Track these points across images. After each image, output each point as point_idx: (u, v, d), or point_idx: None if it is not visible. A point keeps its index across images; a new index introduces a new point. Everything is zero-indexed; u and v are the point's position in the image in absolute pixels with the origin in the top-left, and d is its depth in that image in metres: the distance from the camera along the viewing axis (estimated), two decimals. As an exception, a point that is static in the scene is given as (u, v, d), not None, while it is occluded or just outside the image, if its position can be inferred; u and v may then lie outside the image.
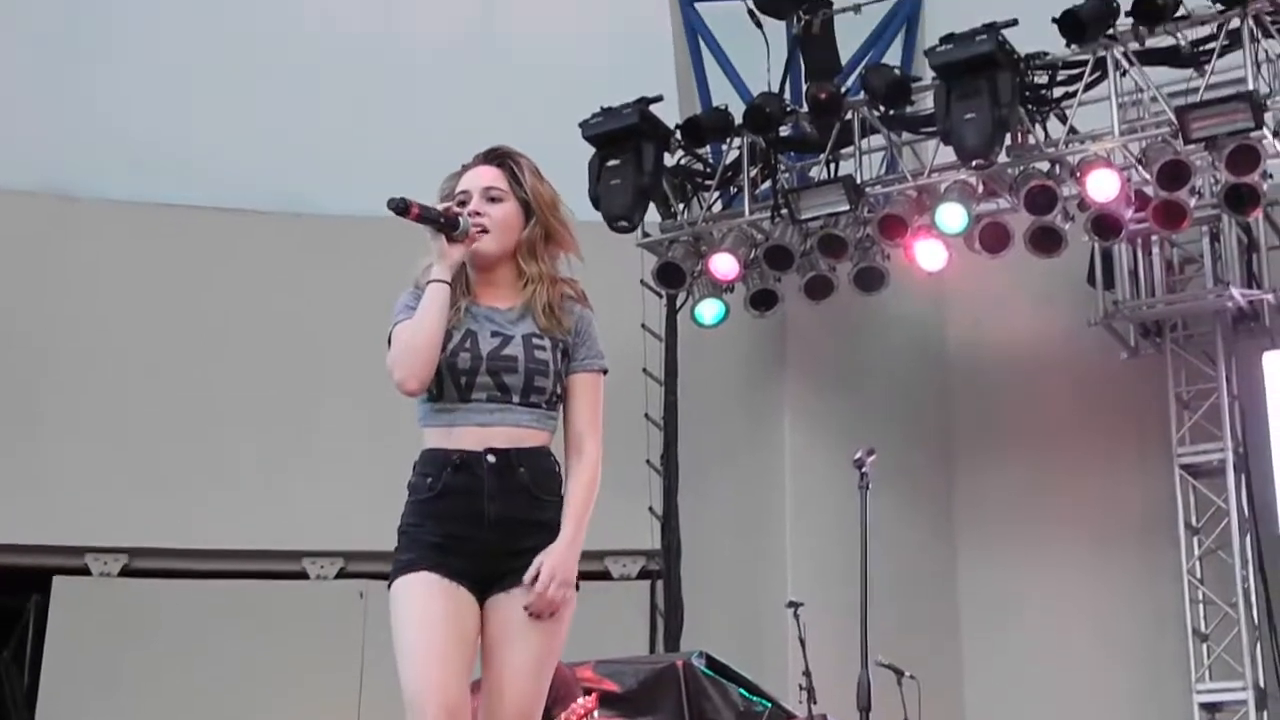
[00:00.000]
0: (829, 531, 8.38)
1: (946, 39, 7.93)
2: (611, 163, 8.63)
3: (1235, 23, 7.65)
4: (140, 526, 9.61)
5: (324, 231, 10.17)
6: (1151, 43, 7.89)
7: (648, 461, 9.51)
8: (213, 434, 9.84)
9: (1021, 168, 8.12)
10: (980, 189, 8.35)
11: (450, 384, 3.51)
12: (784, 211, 8.55)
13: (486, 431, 3.51)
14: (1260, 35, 7.64)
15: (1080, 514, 9.37)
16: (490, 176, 3.66)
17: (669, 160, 8.91)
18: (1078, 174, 7.96)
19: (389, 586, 3.48)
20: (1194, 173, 7.78)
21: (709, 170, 9.10)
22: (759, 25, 8.79)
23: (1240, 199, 7.74)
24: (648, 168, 8.66)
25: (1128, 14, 7.74)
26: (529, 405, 3.55)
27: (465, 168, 3.71)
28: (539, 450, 3.57)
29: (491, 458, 3.49)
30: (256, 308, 10.08)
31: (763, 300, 8.87)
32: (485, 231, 3.58)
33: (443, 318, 3.50)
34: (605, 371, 3.69)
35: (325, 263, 10.09)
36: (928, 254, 8.48)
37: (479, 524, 3.46)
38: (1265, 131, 7.51)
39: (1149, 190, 7.92)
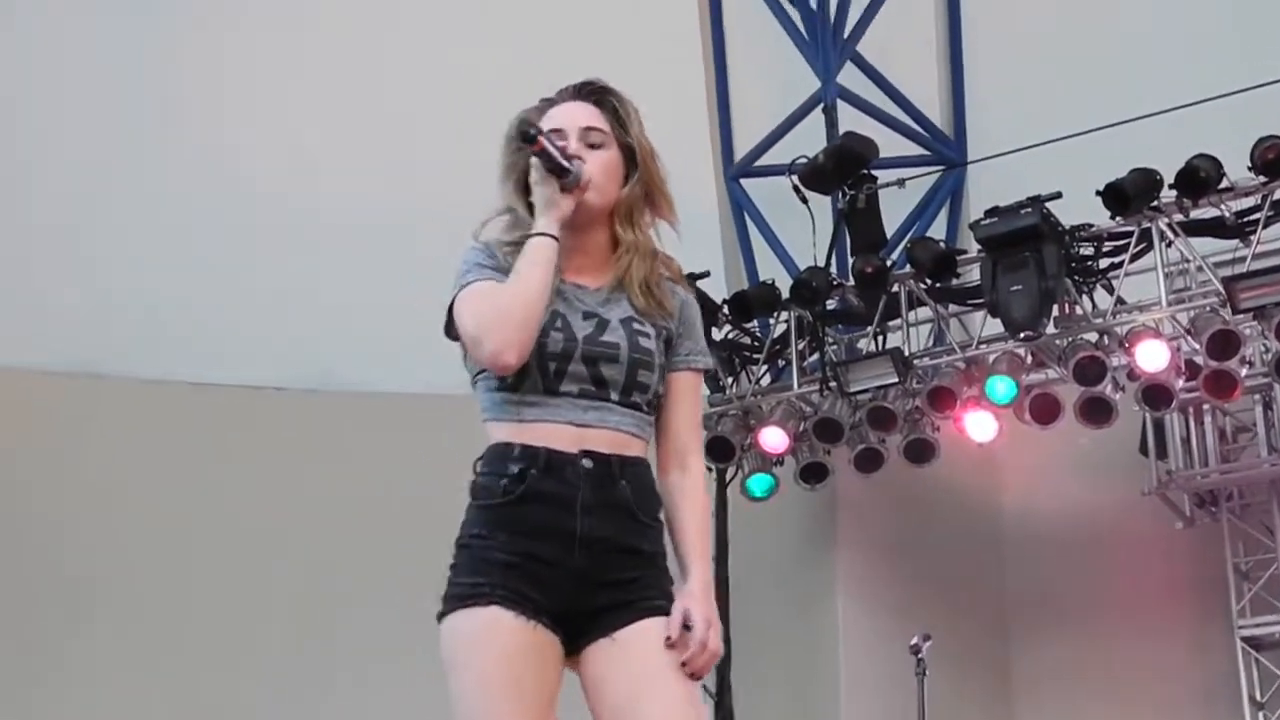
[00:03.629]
0: (884, 711, 8.25)
1: (991, 212, 8.00)
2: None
3: (1278, 193, 7.69)
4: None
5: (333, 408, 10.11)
6: (1196, 214, 7.94)
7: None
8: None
9: (1070, 339, 8.13)
10: (1029, 360, 8.35)
11: (535, 371, 2.85)
12: (832, 384, 8.57)
13: (580, 433, 2.85)
14: (1304, 205, 7.68)
15: (1140, 688, 9.19)
16: (590, 115, 3.01)
17: (717, 335, 8.97)
18: (1126, 344, 7.95)
19: (442, 617, 2.81)
20: (1244, 342, 7.76)
21: (757, 344, 9.15)
22: (804, 200, 8.89)
23: (1292, 368, 7.70)
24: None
25: (1171, 186, 7.80)
26: (629, 406, 2.90)
27: (548, 101, 3.07)
28: (640, 462, 2.92)
29: (588, 463, 2.83)
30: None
31: (813, 473, 8.85)
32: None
33: (549, 279, 2.84)
34: (709, 371, 3.18)
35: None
36: (978, 425, 8.46)
37: (568, 544, 2.79)
38: (1314, 300, 7.50)
39: (1199, 360, 7.90)
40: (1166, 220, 7.92)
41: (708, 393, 9.04)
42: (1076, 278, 8.13)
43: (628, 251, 2.99)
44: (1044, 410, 8.23)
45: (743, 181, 10.42)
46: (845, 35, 10.14)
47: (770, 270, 9.74)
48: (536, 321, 2.81)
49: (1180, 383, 8.06)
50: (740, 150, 10.50)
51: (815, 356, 8.89)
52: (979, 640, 9.48)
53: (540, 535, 2.80)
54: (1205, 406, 8.79)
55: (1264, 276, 7.49)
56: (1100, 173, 7.92)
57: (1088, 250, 8.19)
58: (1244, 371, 7.98)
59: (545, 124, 2.96)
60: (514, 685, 2.70)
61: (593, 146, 2.96)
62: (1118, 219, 8.00)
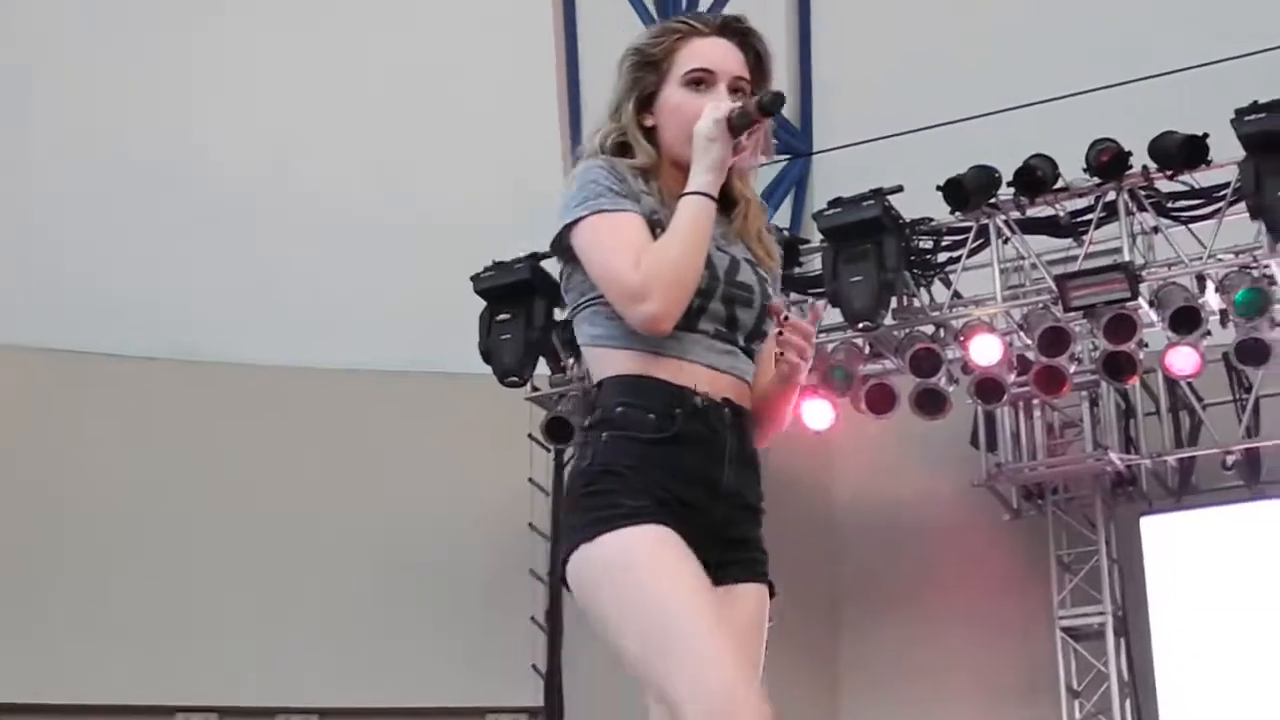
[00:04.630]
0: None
1: (834, 203, 8.09)
2: (502, 317, 8.65)
3: (1111, 195, 7.88)
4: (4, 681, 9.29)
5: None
6: (1032, 212, 8.11)
7: (532, 618, 9.40)
8: (74, 586, 9.60)
9: (907, 330, 8.25)
10: (866, 350, 8.47)
11: None
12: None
13: (715, 376, 2.71)
14: (1135, 208, 7.87)
15: (964, 676, 9.38)
16: (739, 62, 2.83)
17: (560, 315, 8.95)
18: (961, 338, 8.11)
19: (593, 536, 2.58)
20: (1073, 339, 7.95)
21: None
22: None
23: (1118, 366, 7.91)
24: (538, 323, 8.69)
25: (1009, 184, 7.96)
26: (749, 354, 2.77)
27: (689, 28, 2.84)
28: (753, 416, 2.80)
29: (729, 412, 2.71)
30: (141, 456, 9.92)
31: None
32: None
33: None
34: None
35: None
36: (815, 414, 8.55)
37: (713, 493, 2.67)
38: (1141, 301, 7.70)
39: (1030, 355, 8.09)
40: (1004, 217, 8.09)
41: (548, 374, 9.05)
42: (915, 271, 8.27)
43: (742, 200, 2.88)
44: (879, 400, 8.35)
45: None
46: (698, 23, 10.17)
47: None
48: (694, 288, 2.68)
49: (1012, 377, 8.23)
50: (589, 130, 10.45)
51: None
52: (808, 626, 9.58)
53: (690, 480, 2.66)
54: (1035, 401, 8.98)
55: (1094, 276, 7.67)
56: (942, 168, 8.05)
57: (927, 244, 8.33)
58: (1073, 368, 8.17)
59: (690, 57, 2.81)
60: (708, 597, 2.53)
61: (734, 92, 2.81)
62: (957, 214, 8.15)
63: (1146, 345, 7.97)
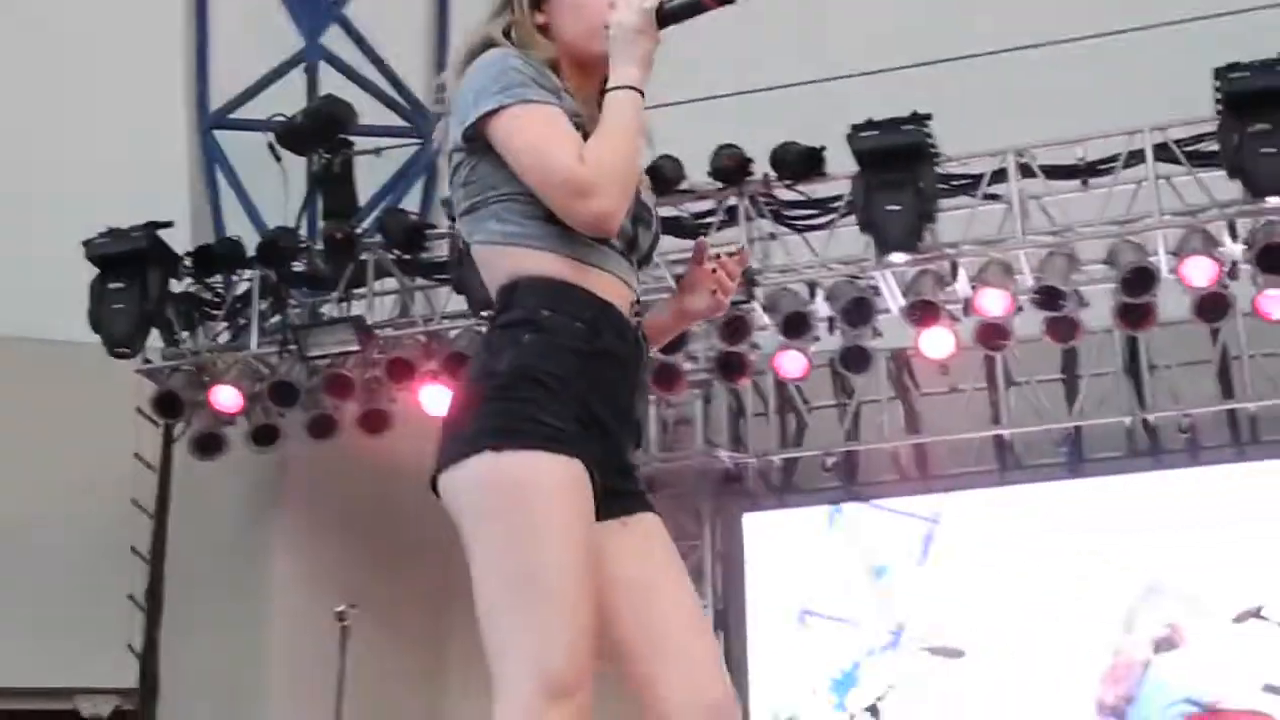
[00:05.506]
0: (310, 676, 8.20)
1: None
2: (115, 286, 8.33)
3: (733, 200, 8.13)
4: None
5: None
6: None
7: (130, 597, 9.08)
8: None
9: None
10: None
11: None
12: (292, 348, 8.45)
13: (627, 294, 2.60)
14: (754, 214, 8.14)
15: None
16: None
17: (177, 287, 8.68)
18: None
19: (505, 445, 2.39)
20: (691, 338, 8.15)
21: (218, 300, 8.91)
22: (278, 159, 8.73)
23: (731, 366, 8.18)
24: (153, 293, 8.41)
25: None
26: (636, 277, 2.66)
27: None
28: None
29: (639, 331, 2.61)
30: None
31: (264, 436, 8.71)
32: None
33: None
34: None
35: None
36: (434, 399, 8.53)
37: (622, 415, 2.55)
38: (755, 305, 7.97)
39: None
40: (629, 215, 8.22)
41: (161, 347, 8.76)
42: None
43: None
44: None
45: (216, 133, 10.13)
46: (334, -4, 10.06)
47: (239, 227, 9.51)
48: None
49: (630, 372, 8.37)
50: (216, 101, 10.20)
51: (277, 318, 8.74)
52: (417, 614, 9.55)
53: (607, 399, 2.50)
54: (651, 397, 9.17)
55: (713, 277, 7.89)
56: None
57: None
58: (688, 366, 8.39)
59: None
60: (589, 569, 2.36)
61: None
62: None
63: (759, 347, 8.25)
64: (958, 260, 7.75)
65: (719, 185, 8.12)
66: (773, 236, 8.24)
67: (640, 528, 2.58)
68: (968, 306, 7.82)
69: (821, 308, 8.11)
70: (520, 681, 2.36)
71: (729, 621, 9.25)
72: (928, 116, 7.49)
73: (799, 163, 7.93)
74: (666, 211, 8.20)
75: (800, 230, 8.16)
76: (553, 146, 2.49)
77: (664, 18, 2.60)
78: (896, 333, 8.15)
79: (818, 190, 8.06)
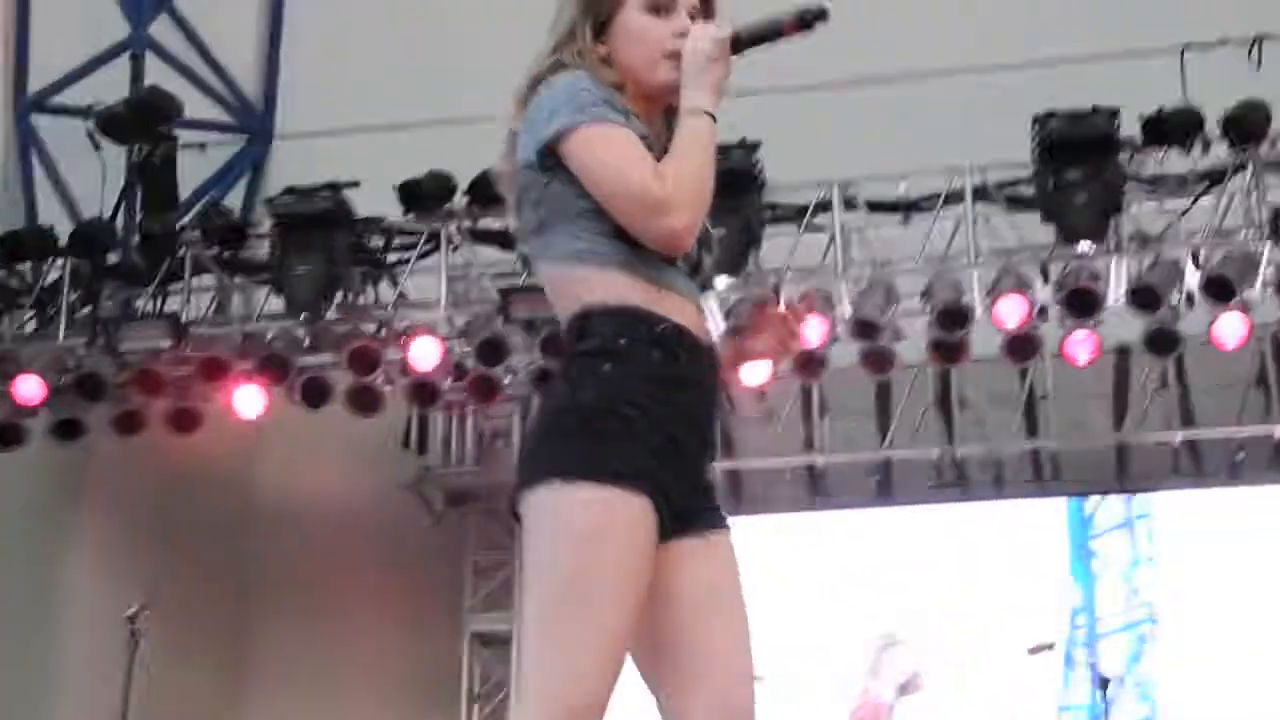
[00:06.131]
0: (103, 676, 8.00)
1: (289, 191, 8.01)
2: None
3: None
4: None
5: None
6: (485, 223, 8.25)
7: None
8: None
9: (349, 326, 8.24)
10: (306, 342, 8.39)
11: None
12: (101, 341, 8.25)
13: (698, 316, 2.64)
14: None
15: (370, 672, 9.39)
16: None
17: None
18: (402, 339, 8.16)
19: (581, 478, 2.45)
20: (511, 352, 8.14)
21: (26, 289, 8.66)
22: (98, 148, 8.53)
23: (545, 382, 8.16)
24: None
25: (465, 193, 8.08)
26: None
27: None
28: None
29: (711, 353, 2.65)
30: None
31: (67, 430, 8.49)
32: None
33: None
34: None
35: None
36: (247, 400, 8.40)
37: (702, 440, 2.60)
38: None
39: (469, 363, 8.23)
40: (456, 225, 8.19)
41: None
42: (364, 268, 8.26)
43: None
44: (315, 393, 8.30)
45: (34, 117, 9.86)
46: (165, -15, 9.87)
47: (52, 214, 9.27)
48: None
49: (448, 383, 8.36)
50: (36, 84, 9.92)
51: (87, 310, 8.52)
52: (219, 613, 9.40)
53: (687, 424, 2.55)
54: (469, 408, 9.14)
55: (537, 292, 7.86)
56: (402, 170, 8.09)
57: (378, 243, 8.34)
58: (507, 379, 8.38)
59: None
60: (637, 607, 2.44)
61: (691, 19, 2.71)
62: (411, 216, 8.20)
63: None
64: (779, 287, 7.85)
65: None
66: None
67: (715, 550, 2.63)
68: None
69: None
70: (541, 700, 2.43)
71: (536, 637, 9.21)
72: (756, 144, 7.58)
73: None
74: (496, 225, 8.20)
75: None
76: (630, 165, 2.53)
77: (738, 45, 2.65)
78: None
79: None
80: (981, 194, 7.76)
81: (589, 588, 2.42)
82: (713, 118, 2.61)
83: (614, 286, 2.55)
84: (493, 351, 8.06)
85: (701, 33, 2.65)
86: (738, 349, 2.88)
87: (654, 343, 2.53)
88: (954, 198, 7.79)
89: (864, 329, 7.71)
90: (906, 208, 7.89)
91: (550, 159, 2.59)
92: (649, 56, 2.69)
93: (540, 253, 2.66)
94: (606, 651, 2.42)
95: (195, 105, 9.31)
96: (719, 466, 8.91)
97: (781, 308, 2.89)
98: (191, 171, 9.11)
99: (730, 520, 2.66)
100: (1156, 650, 8.28)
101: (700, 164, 2.57)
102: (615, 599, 2.43)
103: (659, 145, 2.62)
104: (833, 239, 7.82)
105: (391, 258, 8.39)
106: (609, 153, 2.55)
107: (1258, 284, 7.62)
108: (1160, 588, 8.40)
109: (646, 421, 2.48)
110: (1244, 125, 7.39)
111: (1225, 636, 8.16)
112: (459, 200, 8.13)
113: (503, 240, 8.29)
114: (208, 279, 8.60)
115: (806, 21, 2.64)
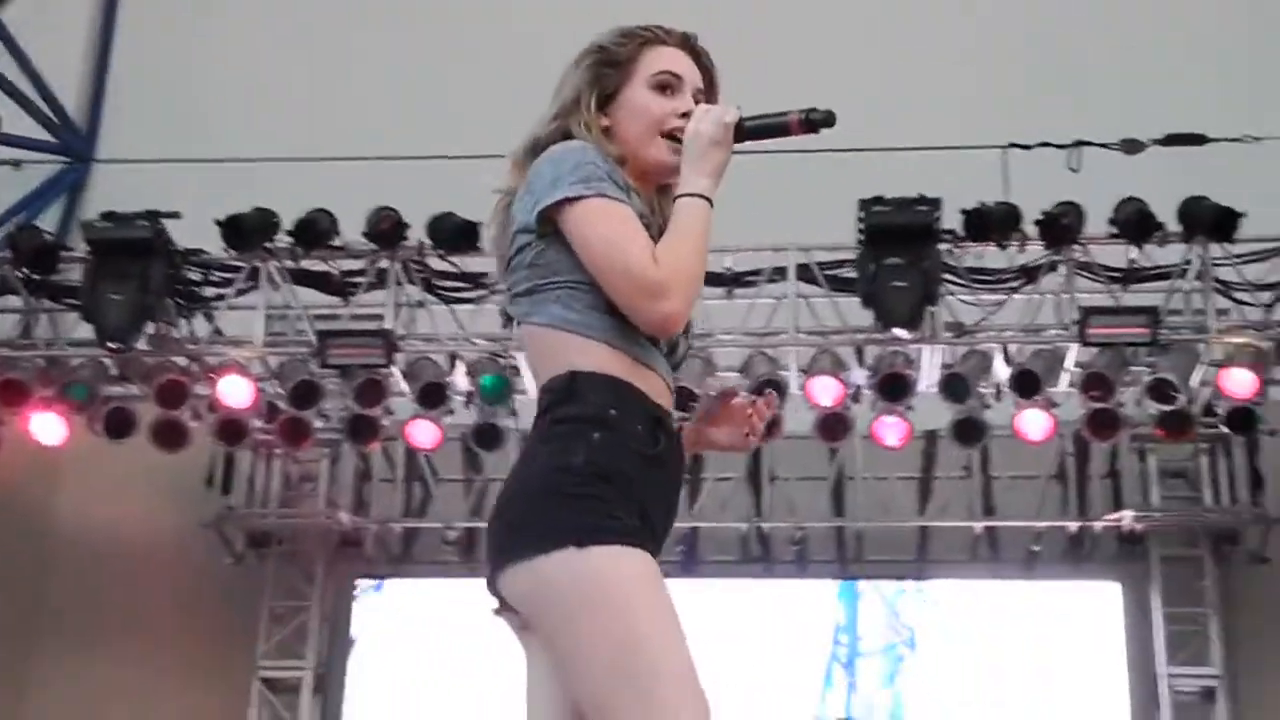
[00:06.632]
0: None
1: (107, 216, 7.85)
2: None
3: (385, 263, 8.07)
4: None
5: None
6: (307, 264, 8.15)
7: None
8: None
9: (159, 359, 8.06)
10: (113, 371, 8.19)
11: None
12: (-104, 356, 7.97)
13: (668, 394, 2.66)
14: (404, 279, 8.09)
15: (159, 713, 9.15)
16: (699, 77, 2.78)
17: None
18: (213, 376, 8.01)
19: (589, 542, 2.42)
20: (324, 396, 8.03)
21: None
22: (-93, 158, 8.28)
23: (362, 429, 8.08)
24: None
25: (289, 232, 7.98)
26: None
27: (654, 35, 2.77)
28: None
29: (678, 434, 2.69)
30: None
31: None
32: None
33: None
34: None
35: None
36: (45, 427, 8.16)
37: (666, 519, 2.62)
38: (395, 370, 7.91)
39: (281, 404, 8.10)
40: (277, 264, 8.08)
41: None
42: (180, 301, 8.10)
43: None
44: (118, 424, 8.10)
45: None
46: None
47: None
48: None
49: (258, 423, 8.22)
50: None
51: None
52: (3, 640, 9.10)
53: (657, 502, 2.57)
54: (277, 450, 8.98)
55: (355, 338, 7.84)
56: (227, 204, 7.97)
57: (196, 276, 8.19)
58: (319, 424, 8.26)
59: (656, 60, 2.73)
60: (685, 640, 2.42)
61: (695, 103, 2.72)
62: (231, 251, 8.07)
63: (393, 413, 8.18)
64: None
65: (373, 247, 8.05)
66: (420, 304, 8.21)
67: None
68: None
69: (460, 380, 8.10)
70: None
71: (328, 686, 9.08)
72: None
73: (455, 234, 7.92)
74: (319, 266, 8.11)
75: (448, 301, 8.15)
76: (628, 245, 2.54)
77: (743, 134, 2.65)
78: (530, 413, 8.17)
79: (472, 264, 8.07)
80: (805, 273, 7.88)
81: (639, 640, 2.40)
82: (710, 202, 2.63)
83: (599, 357, 2.58)
84: (307, 394, 7.95)
85: (705, 115, 2.67)
86: (697, 437, 2.89)
87: (637, 420, 2.56)
88: (778, 275, 7.90)
89: (680, 400, 7.74)
90: (730, 281, 7.97)
91: (548, 225, 2.60)
92: (647, 132, 2.71)
93: (527, 314, 2.66)
94: (688, 686, 2.40)
95: (14, 122, 9.08)
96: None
97: (745, 399, 2.86)
98: (5, 190, 8.87)
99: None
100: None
101: (696, 249, 2.59)
102: (670, 641, 2.42)
103: (655, 224, 2.64)
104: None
105: (209, 292, 8.24)
106: (608, 230, 2.56)
107: (1063, 381, 7.85)
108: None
109: (635, 492, 2.51)
110: (1059, 226, 7.62)
111: None
112: (282, 238, 8.02)
113: (324, 283, 8.21)
114: (14, 300, 8.36)
115: (812, 124, 2.65)
